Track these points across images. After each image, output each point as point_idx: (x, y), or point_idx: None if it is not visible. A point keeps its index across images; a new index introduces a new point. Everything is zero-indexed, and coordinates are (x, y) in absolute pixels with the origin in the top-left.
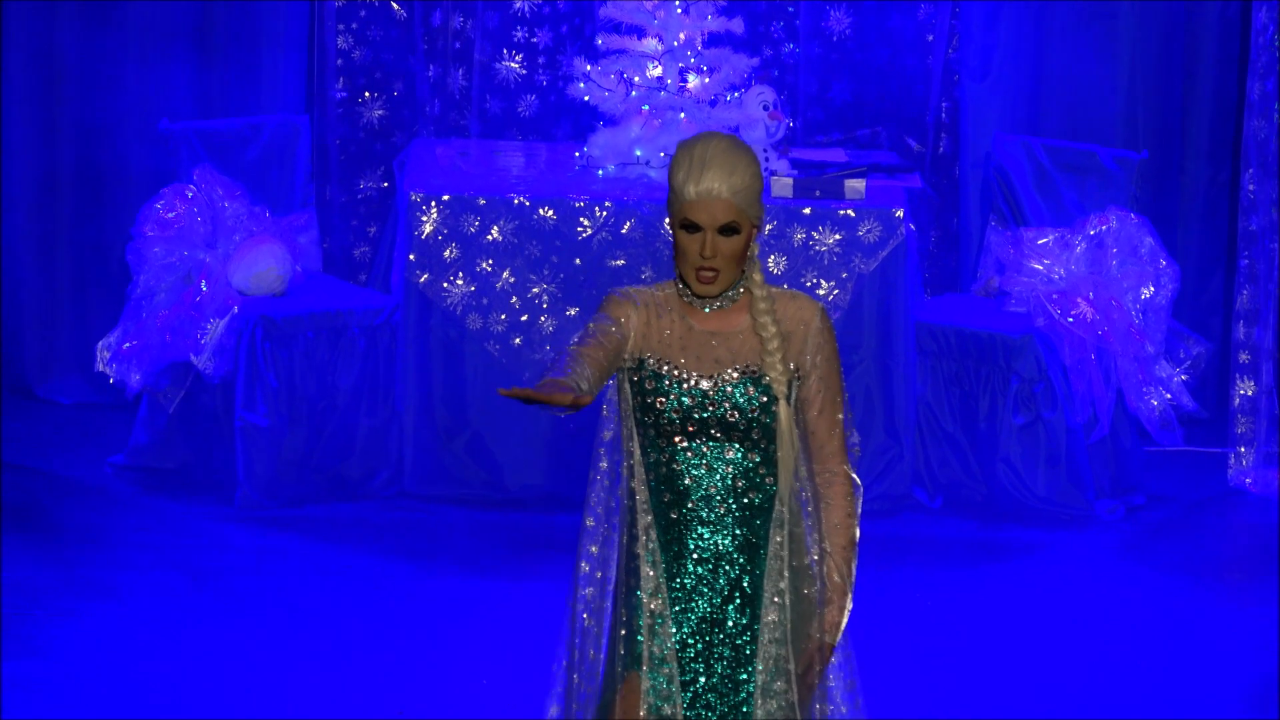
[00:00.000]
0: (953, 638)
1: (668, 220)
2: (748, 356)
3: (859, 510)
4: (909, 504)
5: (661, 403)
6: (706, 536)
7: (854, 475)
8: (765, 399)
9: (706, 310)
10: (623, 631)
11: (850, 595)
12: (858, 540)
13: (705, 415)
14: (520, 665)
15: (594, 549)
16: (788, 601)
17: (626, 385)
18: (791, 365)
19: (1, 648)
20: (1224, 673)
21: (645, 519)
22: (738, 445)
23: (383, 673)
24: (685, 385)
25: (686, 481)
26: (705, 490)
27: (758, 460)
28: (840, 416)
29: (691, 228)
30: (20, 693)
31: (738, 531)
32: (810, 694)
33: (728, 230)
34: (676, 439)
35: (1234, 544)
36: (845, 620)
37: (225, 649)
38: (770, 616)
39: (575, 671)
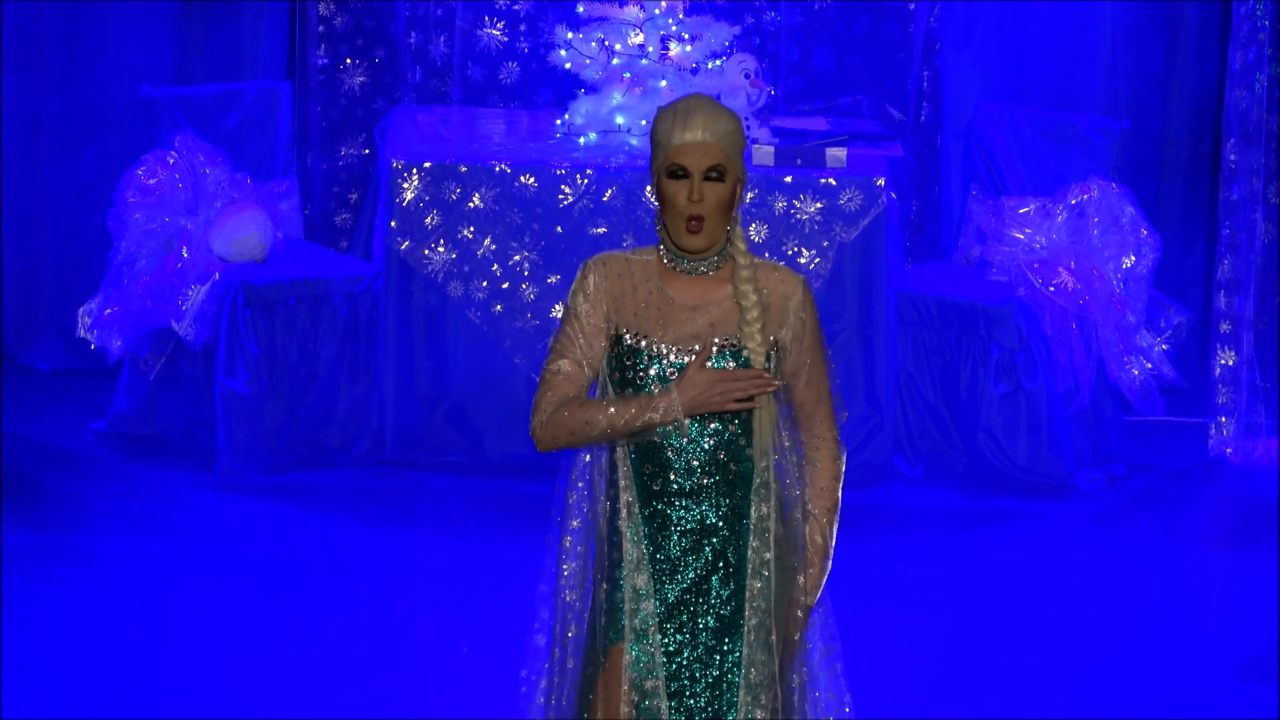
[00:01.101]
0: (934, 607)
1: (652, 184)
2: (727, 328)
3: (843, 475)
4: (890, 473)
5: (641, 377)
6: (691, 508)
7: (840, 441)
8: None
9: (691, 274)
10: (605, 605)
11: (830, 558)
12: (840, 504)
13: None
14: (501, 633)
15: (575, 523)
16: (771, 571)
17: (604, 360)
18: (771, 338)
19: None
20: (1205, 641)
21: (627, 494)
22: (718, 417)
23: (364, 639)
24: (665, 360)
25: (668, 454)
26: (687, 462)
27: (738, 431)
28: (827, 384)
29: (679, 173)
30: (5, 660)
31: (722, 502)
32: (792, 658)
33: (714, 175)
34: None
35: (1214, 514)
36: (824, 582)
37: (206, 616)
38: (755, 586)
39: (557, 646)
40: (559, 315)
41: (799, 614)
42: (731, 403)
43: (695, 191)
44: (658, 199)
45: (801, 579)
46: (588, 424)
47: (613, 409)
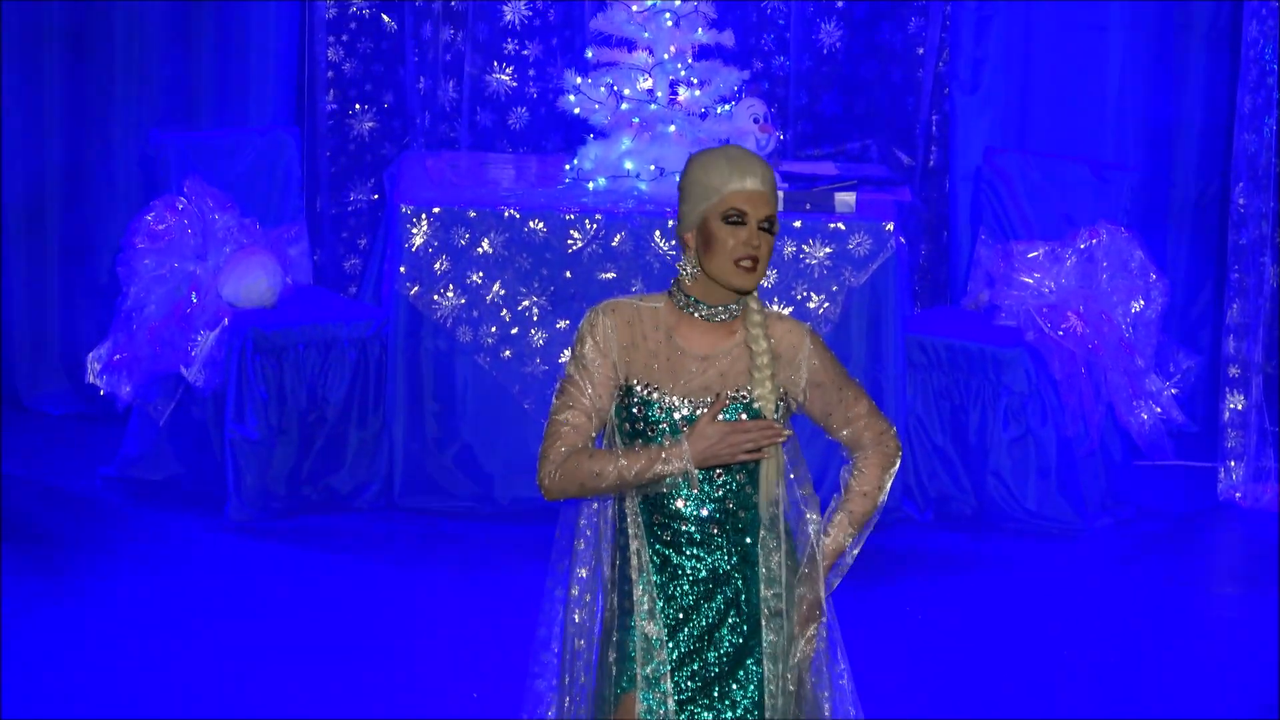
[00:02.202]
0: (943, 650)
1: (694, 221)
2: (736, 380)
3: (886, 488)
4: (899, 516)
5: (653, 430)
6: (702, 557)
7: (898, 445)
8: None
9: (709, 319)
10: (613, 655)
11: (851, 556)
12: (875, 514)
13: None
14: (511, 678)
15: (583, 571)
16: (784, 624)
17: (613, 409)
18: (781, 388)
19: None
20: (1214, 685)
21: (636, 542)
22: (728, 468)
23: (373, 683)
24: (676, 414)
25: (678, 504)
26: (696, 511)
27: (744, 480)
28: (865, 405)
29: (736, 219)
30: (10, 702)
31: (732, 550)
32: (808, 669)
33: (765, 226)
34: None
35: (1223, 558)
36: (840, 576)
37: (216, 660)
38: (768, 637)
39: (567, 695)
40: (567, 361)
41: (806, 609)
42: (742, 454)
43: (755, 235)
44: (703, 242)
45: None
46: (598, 475)
47: (623, 461)
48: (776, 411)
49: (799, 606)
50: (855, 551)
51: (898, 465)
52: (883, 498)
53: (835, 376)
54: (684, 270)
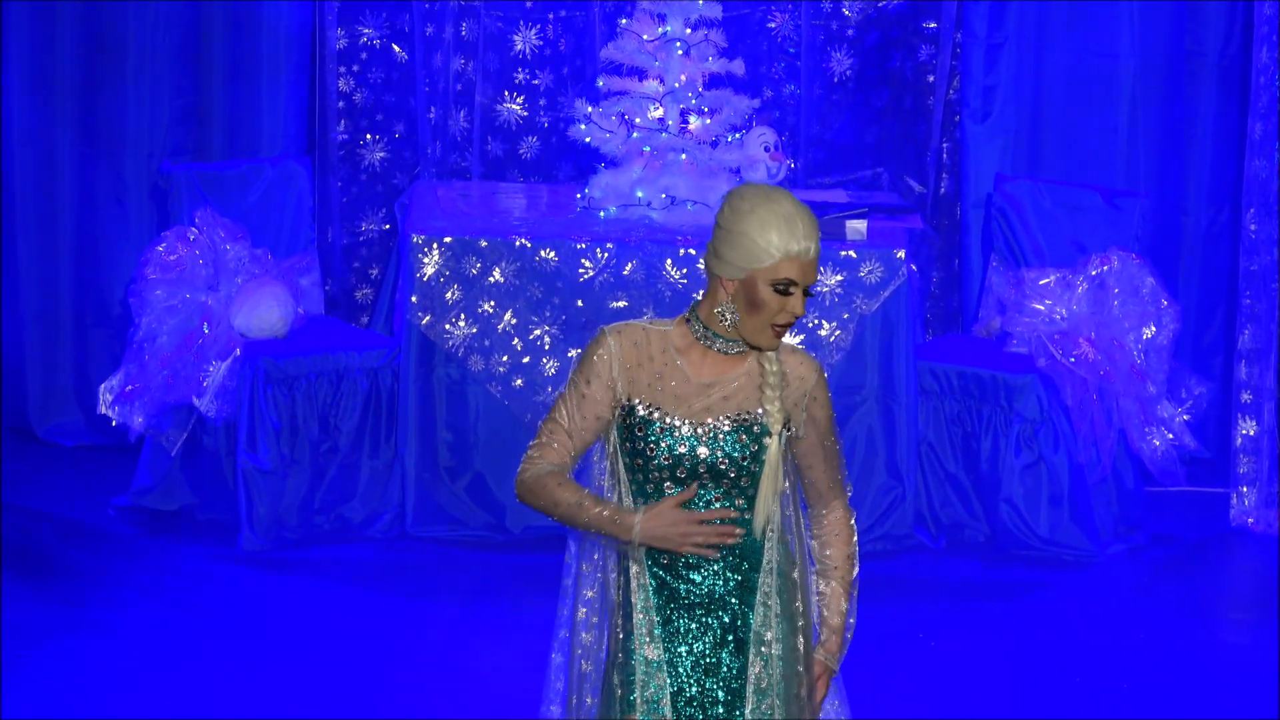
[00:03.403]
0: (956, 678)
1: (738, 275)
2: (740, 404)
3: (858, 549)
4: (911, 544)
5: (652, 449)
6: (699, 581)
7: (853, 513)
8: (756, 447)
9: (724, 352)
10: (617, 678)
11: (851, 631)
12: (858, 578)
13: (696, 463)
14: (524, 704)
15: (590, 593)
16: (775, 652)
17: (614, 428)
18: (787, 412)
19: (2, 689)
20: (1229, 712)
21: (636, 565)
22: (726, 491)
23: (385, 712)
24: (677, 434)
25: None
26: None
27: (744, 506)
28: (839, 463)
29: (784, 286)
30: None
31: (730, 575)
32: None
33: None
34: (666, 485)
35: (1237, 584)
36: (846, 649)
37: (228, 690)
38: (758, 664)
39: (573, 715)
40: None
41: (819, 686)
42: (689, 546)
43: (800, 306)
44: (746, 300)
45: (823, 652)
46: (556, 504)
47: (585, 503)
48: (785, 429)
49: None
50: (854, 621)
51: (857, 540)
52: (856, 565)
53: (828, 420)
54: (720, 315)
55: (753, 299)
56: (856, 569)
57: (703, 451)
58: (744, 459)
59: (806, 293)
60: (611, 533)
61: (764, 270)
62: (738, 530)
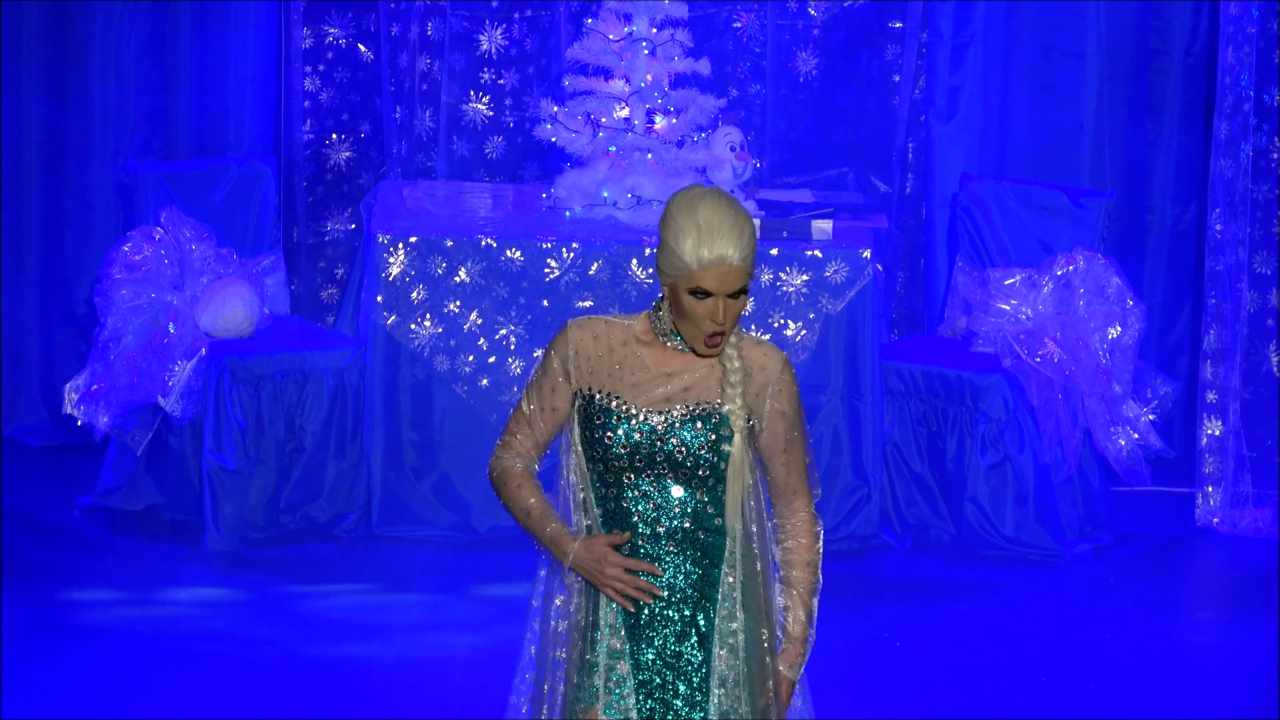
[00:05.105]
0: (921, 678)
1: (667, 282)
2: (700, 393)
3: (821, 553)
4: (877, 544)
5: (610, 437)
6: (662, 574)
7: (817, 517)
8: (714, 437)
9: (681, 349)
10: (582, 669)
11: (813, 636)
12: (821, 582)
13: (653, 451)
14: (492, 706)
15: (570, 579)
16: (740, 643)
17: (575, 418)
18: (749, 407)
19: None
20: (1194, 711)
21: None
22: (685, 484)
23: (352, 711)
24: (634, 421)
25: (634, 519)
26: (653, 528)
27: (706, 500)
28: (805, 462)
29: (702, 294)
30: None
31: (690, 569)
32: None
33: (736, 293)
34: (625, 475)
35: (1202, 583)
36: (807, 658)
37: (193, 690)
38: (722, 658)
39: (545, 704)
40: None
41: (783, 692)
42: (608, 589)
43: (720, 314)
44: (674, 305)
45: (783, 662)
46: (511, 503)
47: (533, 513)
48: (747, 423)
49: (771, 681)
50: (813, 631)
51: (822, 543)
52: (819, 568)
53: (795, 413)
54: (665, 317)
55: (678, 306)
56: (819, 578)
57: (659, 439)
58: (702, 448)
59: (741, 296)
60: (551, 550)
61: (682, 279)
62: (657, 590)
